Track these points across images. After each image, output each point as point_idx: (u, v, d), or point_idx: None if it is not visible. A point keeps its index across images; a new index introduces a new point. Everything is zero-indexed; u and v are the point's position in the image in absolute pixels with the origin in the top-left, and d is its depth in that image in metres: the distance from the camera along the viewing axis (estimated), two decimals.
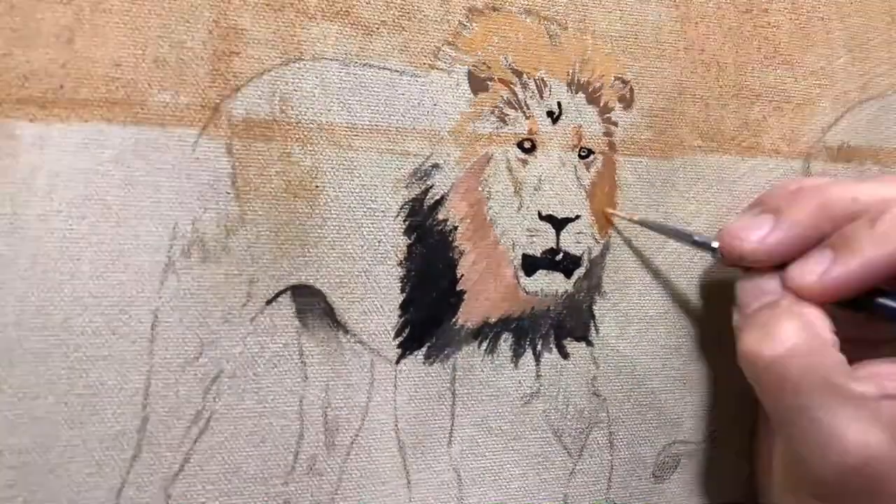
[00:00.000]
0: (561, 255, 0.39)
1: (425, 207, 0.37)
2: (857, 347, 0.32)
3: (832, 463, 0.30)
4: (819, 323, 0.32)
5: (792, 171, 0.44)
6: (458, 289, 0.37)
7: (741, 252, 0.34)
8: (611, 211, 0.39)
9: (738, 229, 0.35)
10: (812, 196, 0.34)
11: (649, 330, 0.41)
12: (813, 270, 0.32)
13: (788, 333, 0.31)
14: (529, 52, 0.38)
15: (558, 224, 0.39)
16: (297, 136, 0.35)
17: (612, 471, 0.40)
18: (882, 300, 0.32)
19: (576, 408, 0.39)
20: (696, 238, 0.38)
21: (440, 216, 0.37)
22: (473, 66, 0.38)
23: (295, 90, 0.35)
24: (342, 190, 0.35)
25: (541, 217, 0.38)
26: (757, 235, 0.34)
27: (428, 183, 0.37)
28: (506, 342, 0.38)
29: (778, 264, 0.34)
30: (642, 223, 0.40)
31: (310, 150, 0.35)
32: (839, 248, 0.32)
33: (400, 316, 0.37)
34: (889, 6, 0.46)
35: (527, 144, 0.38)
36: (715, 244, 0.36)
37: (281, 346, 0.35)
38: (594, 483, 0.39)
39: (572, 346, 0.39)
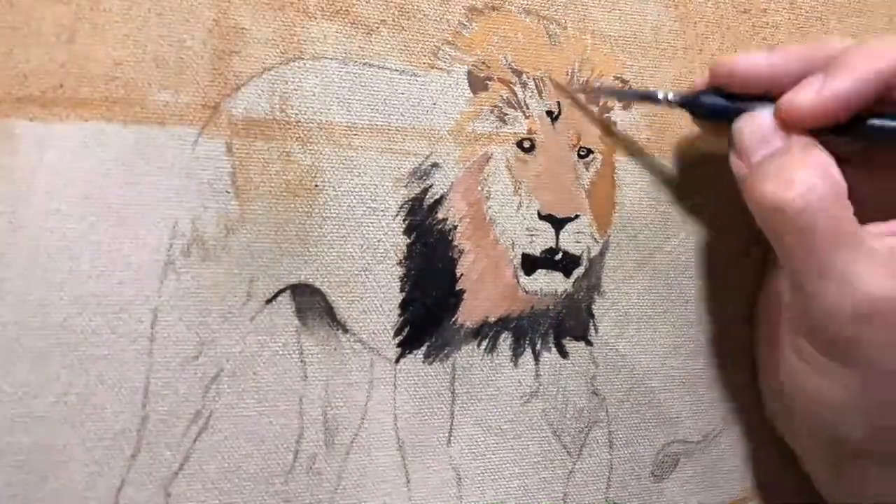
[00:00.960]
0: (560, 254, 0.39)
1: (425, 207, 0.37)
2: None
3: (845, 309, 0.31)
4: (832, 169, 0.32)
5: None
6: (457, 288, 0.37)
7: (731, 67, 0.34)
8: (559, 82, 0.39)
9: (730, 56, 0.35)
10: (809, 41, 0.35)
11: (648, 329, 0.41)
12: (806, 94, 0.32)
13: (810, 181, 0.31)
14: (529, 52, 0.38)
15: (558, 223, 0.39)
16: (296, 135, 0.35)
17: (611, 470, 0.40)
18: (875, 121, 0.33)
19: (575, 407, 0.39)
20: (640, 91, 0.38)
21: (440, 215, 0.37)
22: (473, 65, 0.38)
23: (295, 89, 0.35)
24: (342, 189, 0.35)
25: (540, 216, 0.38)
26: (749, 59, 0.34)
27: (427, 182, 0.37)
28: (505, 341, 0.38)
29: (765, 93, 0.34)
30: (598, 91, 0.39)
31: (309, 150, 0.35)
32: (831, 69, 0.32)
33: (399, 315, 0.37)
34: (887, 6, 0.47)
35: (526, 144, 0.38)
36: (660, 94, 0.37)
37: (281, 345, 0.35)
38: (593, 482, 0.40)
39: (571, 345, 0.39)
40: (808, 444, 0.38)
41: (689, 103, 0.37)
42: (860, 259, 0.31)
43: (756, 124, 0.34)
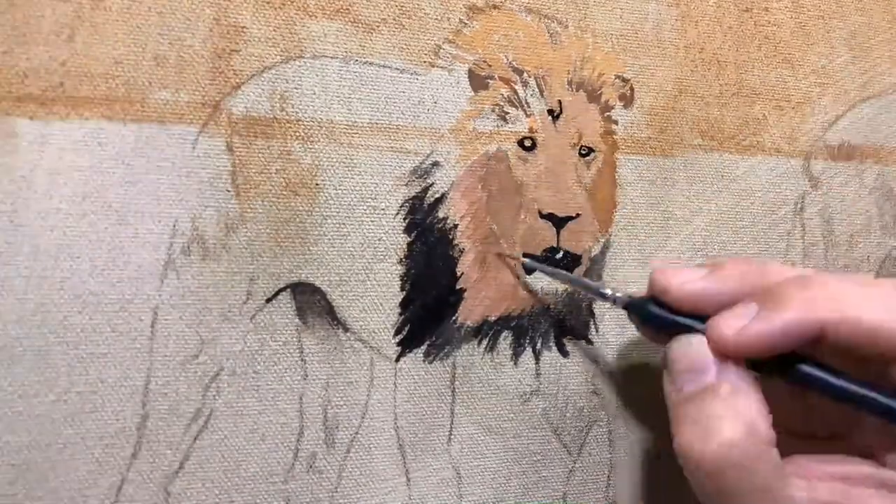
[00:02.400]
0: (561, 253, 0.39)
1: (425, 205, 0.37)
2: (789, 438, 0.31)
3: None
4: (759, 420, 0.30)
5: (792, 169, 0.44)
6: (457, 287, 0.37)
7: (667, 286, 0.33)
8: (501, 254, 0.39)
9: (670, 271, 0.34)
10: (750, 263, 0.33)
11: None
12: (732, 325, 0.31)
13: (727, 435, 0.29)
14: (530, 51, 0.38)
15: (559, 222, 0.39)
16: (297, 133, 0.35)
17: (611, 469, 0.40)
18: (806, 368, 0.31)
19: (575, 406, 0.39)
20: (591, 284, 0.37)
21: (440, 214, 0.37)
22: (474, 64, 0.38)
23: (295, 88, 0.35)
24: (342, 188, 0.35)
25: (541, 215, 0.38)
26: (685, 277, 0.33)
27: (428, 181, 0.37)
28: (505, 340, 0.38)
29: (699, 314, 0.33)
30: (543, 271, 0.39)
31: (310, 148, 0.35)
32: (765, 304, 0.31)
33: (400, 314, 0.37)
34: (890, 5, 0.46)
35: (527, 143, 0.38)
36: (609, 291, 0.36)
37: (281, 343, 0.35)
38: (593, 481, 0.40)
39: (572, 344, 0.39)
40: None
41: (634, 308, 0.35)
42: None
43: (687, 351, 0.32)
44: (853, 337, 0.30)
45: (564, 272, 0.38)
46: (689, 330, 0.32)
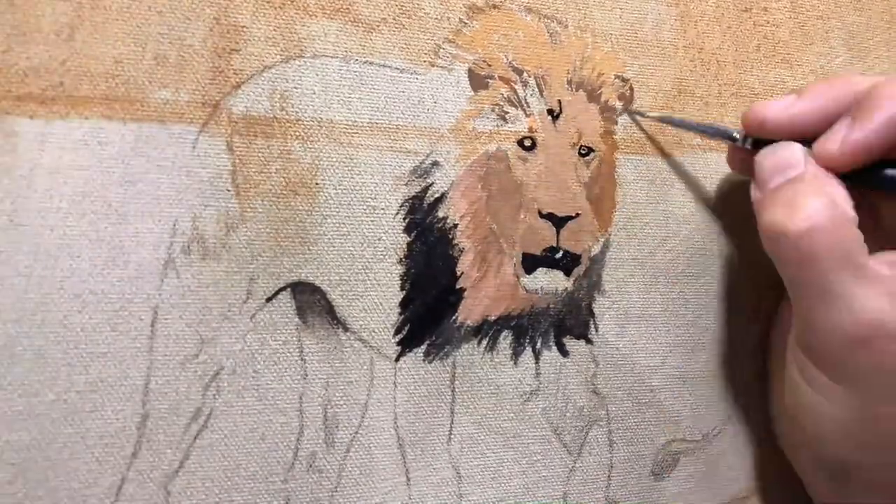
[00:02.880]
0: (561, 253, 0.39)
1: (425, 205, 0.37)
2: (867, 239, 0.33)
3: (844, 332, 0.31)
4: (842, 199, 0.32)
5: None
6: (457, 287, 0.37)
7: (763, 117, 0.35)
8: (633, 110, 0.40)
9: (761, 103, 0.36)
10: (834, 79, 0.35)
11: (649, 328, 0.41)
12: (835, 138, 0.33)
13: (814, 209, 0.32)
14: (530, 50, 0.38)
15: (558, 222, 0.39)
16: (297, 133, 0.35)
17: (611, 469, 0.40)
18: (890, 171, 0.33)
19: (575, 406, 0.39)
20: (718, 127, 0.38)
21: (440, 214, 0.37)
22: (474, 63, 0.38)
23: (295, 87, 0.35)
24: (342, 187, 0.35)
25: (541, 215, 0.38)
26: (780, 105, 0.35)
27: (428, 181, 0.37)
28: (505, 340, 0.38)
29: (799, 137, 0.35)
30: (662, 120, 0.40)
31: (310, 148, 0.35)
32: (858, 112, 0.33)
33: (400, 314, 0.37)
34: (888, 5, 0.46)
35: (527, 142, 0.38)
36: (737, 134, 0.37)
37: (281, 343, 0.35)
38: (593, 481, 0.40)
39: (572, 344, 0.39)
40: (808, 466, 0.38)
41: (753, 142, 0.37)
42: (862, 284, 0.31)
43: (775, 155, 0.34)
44: None
45: (690, 122, 0.40)
46: None
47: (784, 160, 0.34)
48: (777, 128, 0.35)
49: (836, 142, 0.33)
